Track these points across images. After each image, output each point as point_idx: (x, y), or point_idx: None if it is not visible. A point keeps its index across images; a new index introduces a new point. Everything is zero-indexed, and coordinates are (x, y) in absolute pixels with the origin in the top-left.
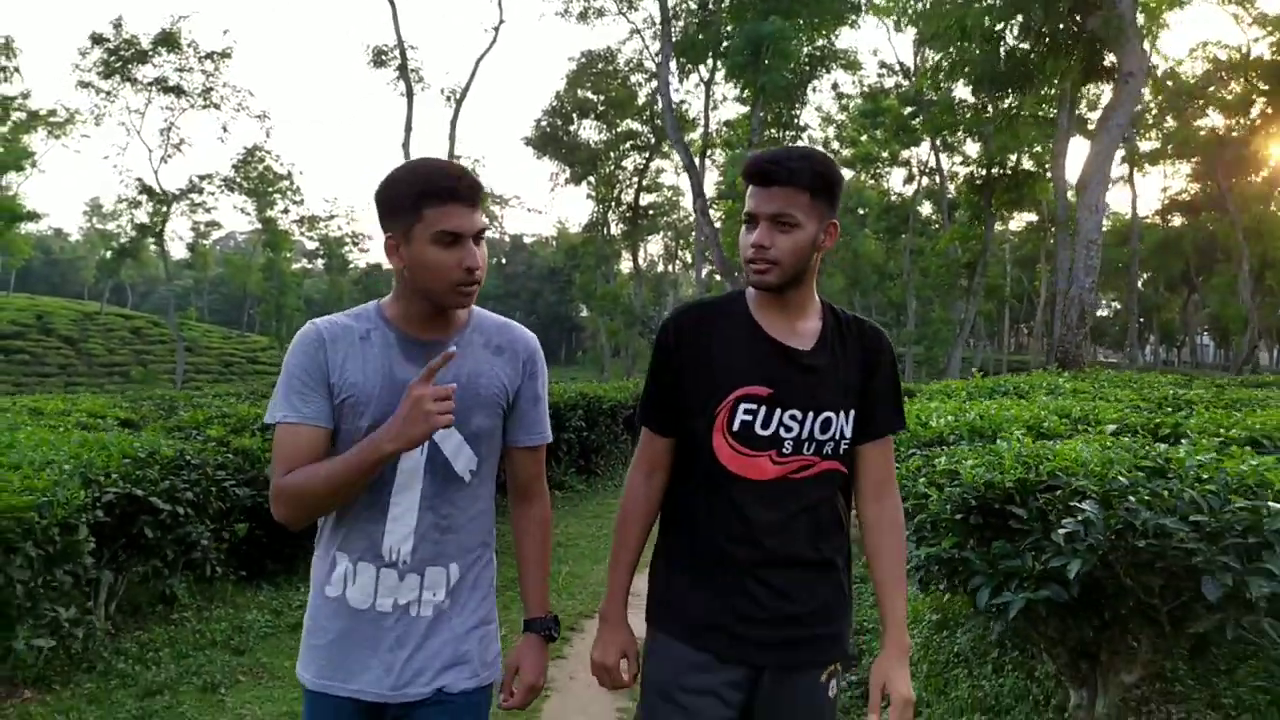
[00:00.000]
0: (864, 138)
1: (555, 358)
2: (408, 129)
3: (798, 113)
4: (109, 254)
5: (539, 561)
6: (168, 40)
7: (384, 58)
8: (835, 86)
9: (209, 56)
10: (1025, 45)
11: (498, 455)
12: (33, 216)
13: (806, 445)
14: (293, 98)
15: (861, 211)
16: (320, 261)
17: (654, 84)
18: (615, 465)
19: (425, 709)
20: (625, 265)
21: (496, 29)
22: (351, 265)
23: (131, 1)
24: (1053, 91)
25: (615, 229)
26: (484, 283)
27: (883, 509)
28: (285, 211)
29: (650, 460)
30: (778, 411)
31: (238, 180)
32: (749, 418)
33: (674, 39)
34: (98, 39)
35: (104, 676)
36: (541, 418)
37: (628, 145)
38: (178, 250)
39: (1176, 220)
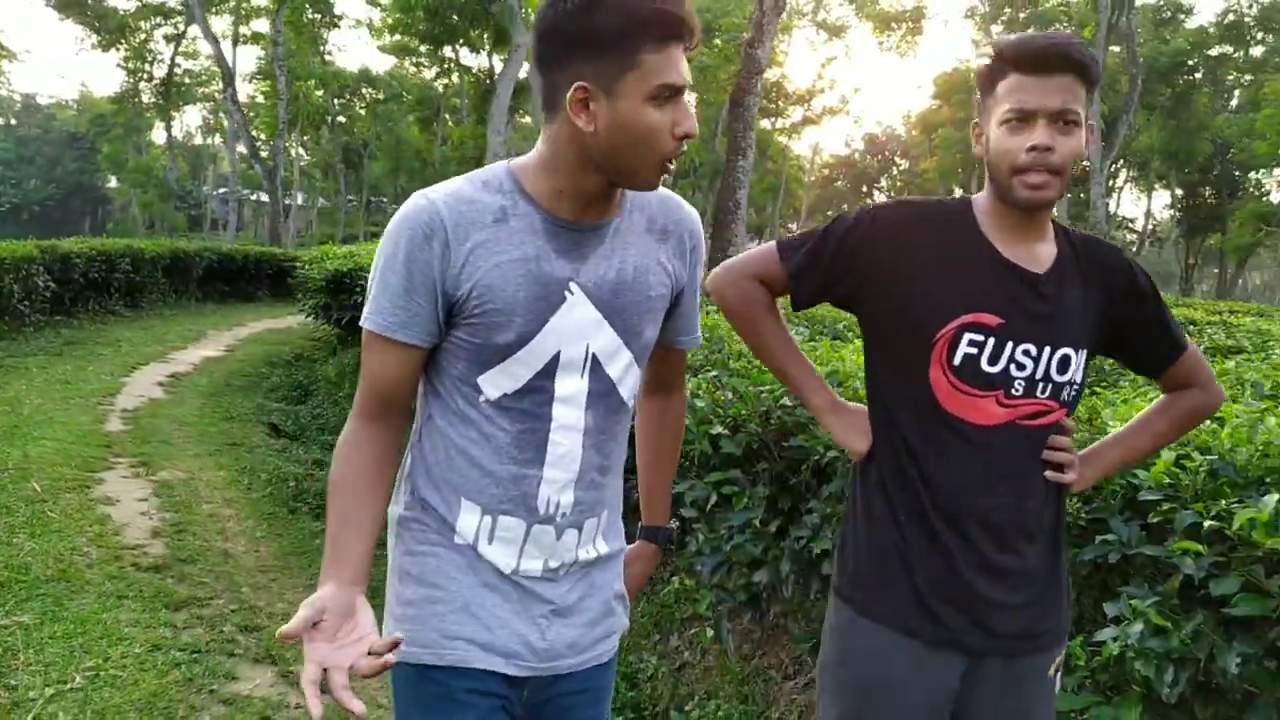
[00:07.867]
0: None
1: (79, 228)
2: None
3: None
4: None
5: (670, 458)
6: None
7: None
8: None
9: None
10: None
11: None
12: None
13: (1041, 387)
14: None
15: None
16: None
17: None
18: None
19: (570, 680)
20: (159, 135)
21: None
22: None
23: None
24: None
25: (148, 98)
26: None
27: (1208, 394)
28: None
29: (759, 275)
30: (1009, 345)
31: None
32: (974, 350)
33: None
34: None
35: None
36: (696, 313)
37: (158, 18)
38: None
39: None
